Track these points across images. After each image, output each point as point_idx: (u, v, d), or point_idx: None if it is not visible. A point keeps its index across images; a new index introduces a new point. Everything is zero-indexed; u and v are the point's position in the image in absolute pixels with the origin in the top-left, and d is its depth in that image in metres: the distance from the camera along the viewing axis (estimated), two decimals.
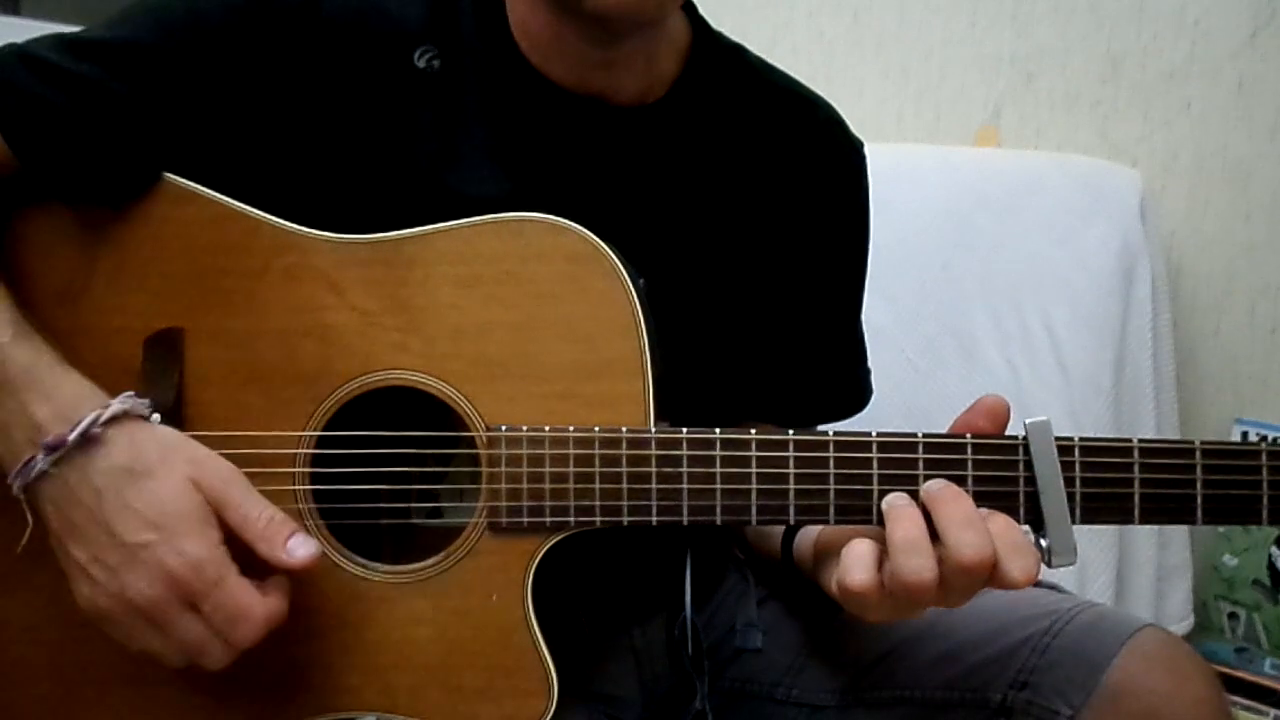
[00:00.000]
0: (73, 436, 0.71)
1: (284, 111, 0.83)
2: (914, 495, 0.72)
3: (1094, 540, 1.44)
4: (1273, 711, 1.56)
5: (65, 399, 0.73)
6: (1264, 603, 1.60)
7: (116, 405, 0.72)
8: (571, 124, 0.88)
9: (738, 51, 0.98)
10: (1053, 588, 0.92)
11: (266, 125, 0.83)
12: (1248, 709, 1.57)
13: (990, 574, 0.69)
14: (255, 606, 0.71)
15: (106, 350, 0.79)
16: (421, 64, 0.86)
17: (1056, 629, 0.84)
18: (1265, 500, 0.73)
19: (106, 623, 0.73)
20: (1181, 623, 1.59)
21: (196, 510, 0.71)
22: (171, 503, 0.71)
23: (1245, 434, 1.64)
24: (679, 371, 0.81)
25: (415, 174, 0.85)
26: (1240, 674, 1.60)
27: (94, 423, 0.71)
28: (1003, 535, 0.70)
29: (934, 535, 0.70)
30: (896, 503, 0.72)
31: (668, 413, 0.79)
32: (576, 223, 0.78)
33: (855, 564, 0.71)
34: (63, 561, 0.74)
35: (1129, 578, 1.51)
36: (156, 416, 0.75)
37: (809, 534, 0.86)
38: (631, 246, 0.80)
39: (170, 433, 0.75)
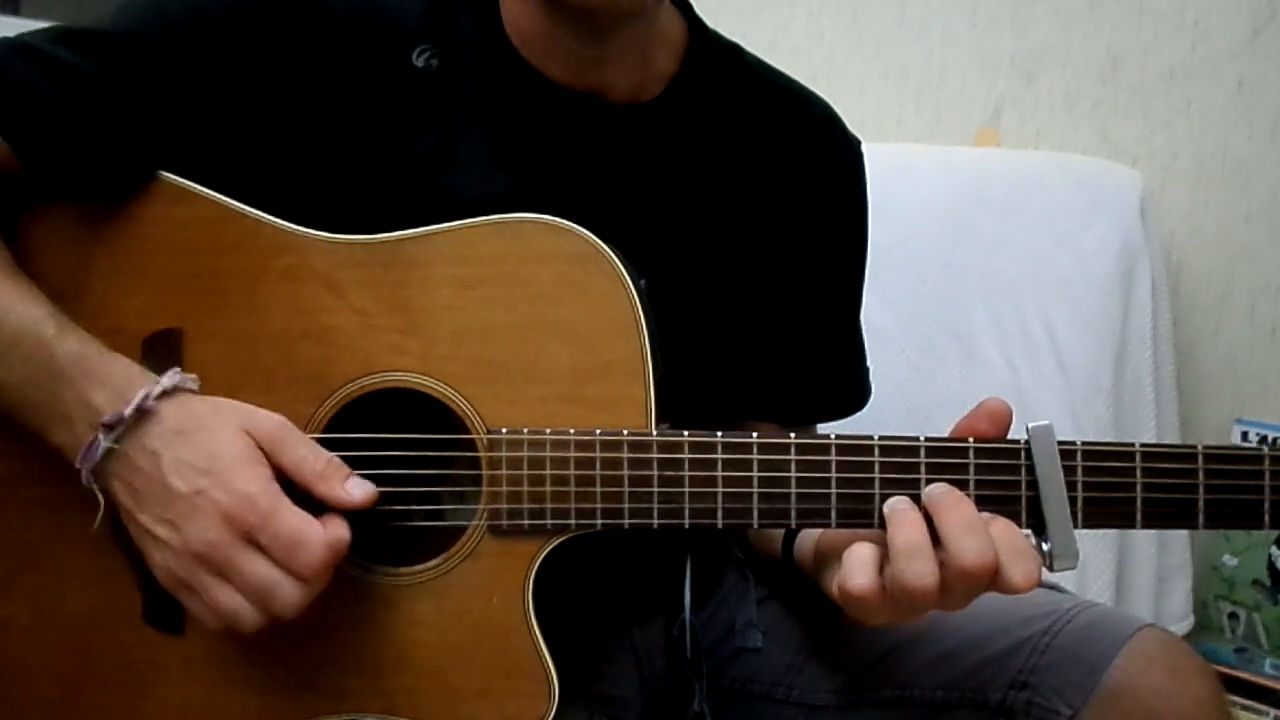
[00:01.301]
0: (128, 411, 0.74)
1: (282, 108, 0.83)
2: (916, 499, 0.72)
3: (1094, 541, 1.44)
4: (1273, 711, 1.56)
5: (118, 382, 0.75)
6: (1264, 603, 1.60)
7: (167, 380, 0.76)
8: (569, 121, 0.88)
9: (734, 50, 0.98)
10: (1053, 588, 0.92)
11: (265, 121, 0.83)
12: (1248, 709, 1.57)
13: (992, 579, 0.69)
14: (313, 530, 0.72)
15: None
16: (420, 63, 0.86)
17: (1056, 629, 0.84)
18: (1268, 505, 0.73)
19: (183, 587, 0.74)
20: (1181, 623, 1.59)
21: (245, 451, 0.73)
22: (221, 449, 0.73)
23: (1245, 434, 1.64)
24: (679, 371, 0.81)
25: (413, 172, 0.85)
26: (1240, 674, 1.60)
27: (147, 397, 0.74)
28: (1004, 540, 0.70)
29: (935, 540, 0.70)
30: (898, 506, 0.72)
31: (668, 413, 0.79)
32: (575, 221, 0.77)
33: (856, 568, 0.71)
34: (136, 537, 0.76)
35: (1129, 578, 1.51)
36: None
37: (809, 536, 0.85)
38: (629, 244, 0.80)
39: (218, 398, 0.77)
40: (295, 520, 0.72)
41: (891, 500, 0.72)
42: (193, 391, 0.77)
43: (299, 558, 0.71)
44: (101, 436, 0.74)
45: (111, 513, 0.77)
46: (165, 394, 0.75)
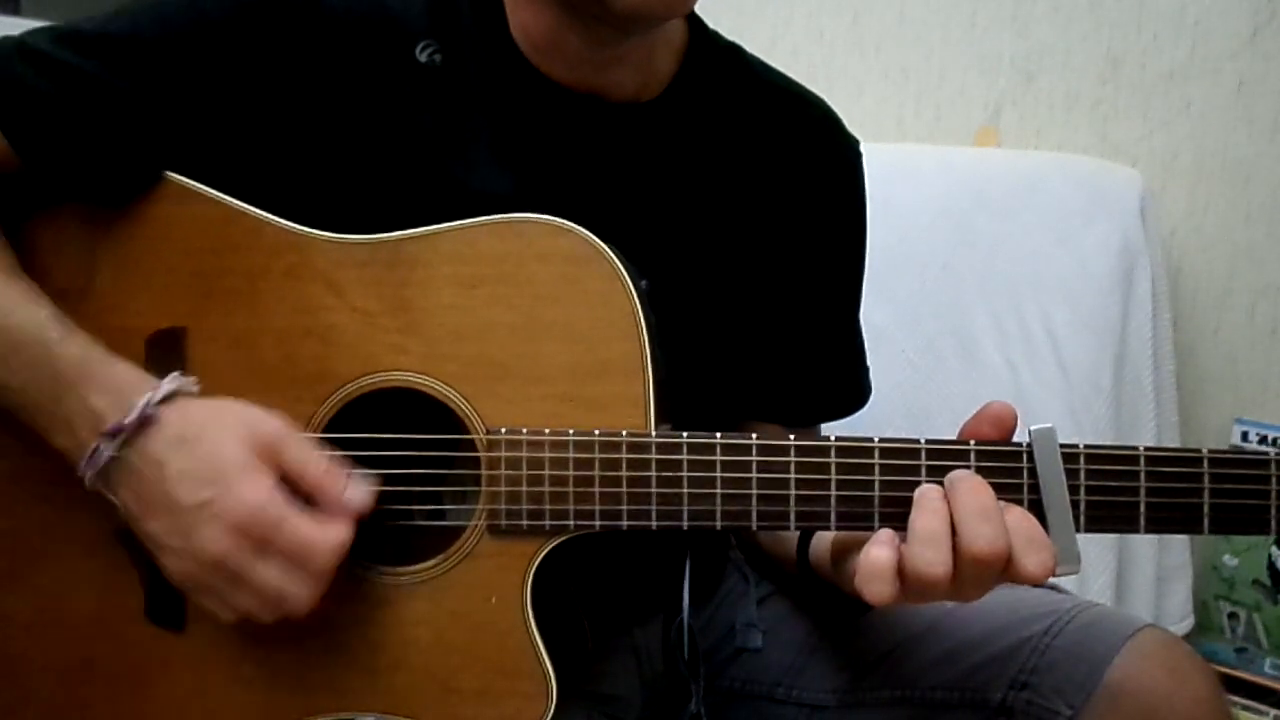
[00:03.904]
0: (130, 420, 0.74)
1: (285, 106, 0.83)
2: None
3: (1094, 541, 1.44)
4: (1273, 711, 1.56)
5: (120, 387, 0.75)
6: (1264, 603, 1.60)
7: (167, 385, 0.76)
8: (570, 121, 0.88)
9: (734, 50, 0.98)
10: (1052, 588, 0.92)
11: (267, 120, 0.83)
12: (1248, 709, 1.57)
13: (1004, 567, 0.70)
14: (320, 538, 0.73)
15: (109, 350, 0.79)
16: (423, 59, 0.86)
17: (1056, 629, 0.84)
18: (1274, 510, 0.73)
19: (200, 591, 0.75)
20: (1181, 623, 1.59)
21: (247, 460, 0.73)
22: (224, 458, 0.73)
23: (1245, 434, 1.64)
24: (680, 371, 0.81)
25: (417, 168, 0.85)
26: (1240, 674, 1.60)
27: (148, 404, 0.74)
28: (1019, 528, 0.70)
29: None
30: (928, 493, 0.72)
31: (669, 413, 0.79)
32: (576, 221, 0.77)
33: (875, 575, 0.71)
34: (147, 544, 0.76)
35: (1129, 578, 1.51)
36: None
37: (824, 533, 0.85)
38: (630, 244, 0.80)
39: (219, 401, 0.77)
40: (303, 528, 0.72)
41: (923, 486, 0.73)
42: (193, 395, 0.77)
43: (308, 563, 0.72)
44: (104, 444, 0.74)
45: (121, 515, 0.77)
46: (166, 399, 0.75)
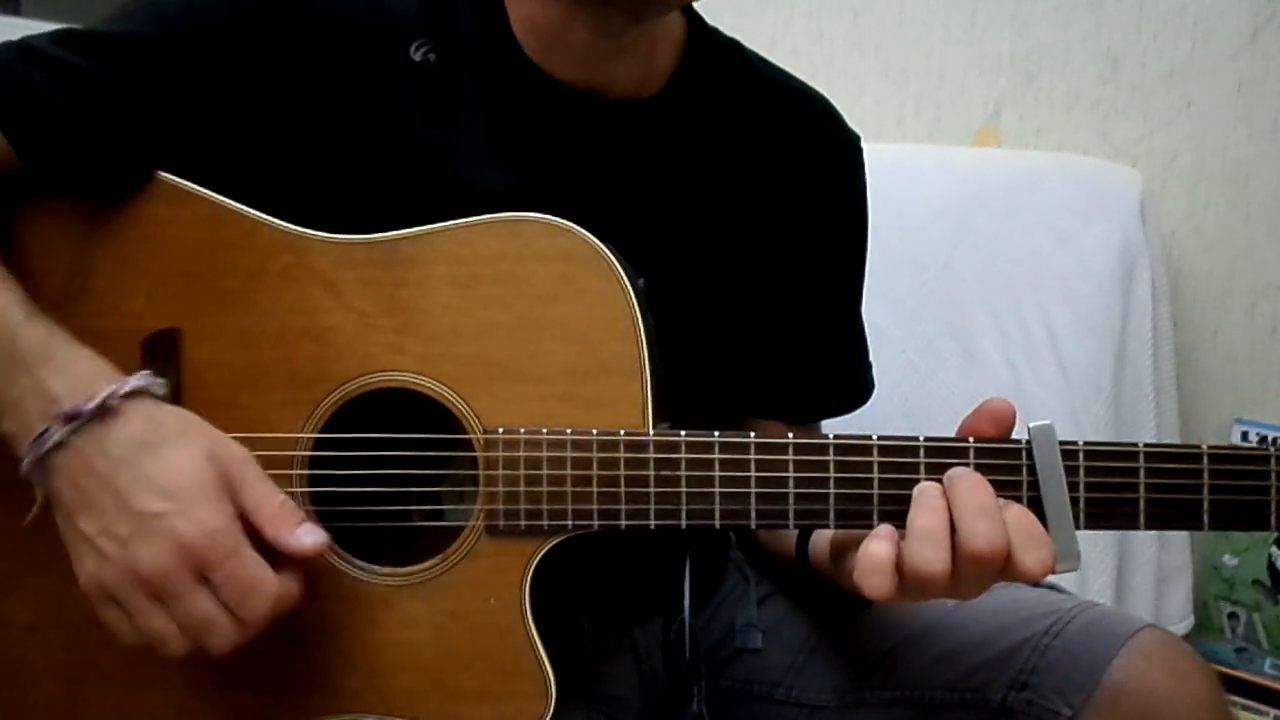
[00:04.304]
0: (90, 406, 0.71)
1: (281, 106, 0.83)
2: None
3: (1094, 541, 1.44)
4: (1273, 711, 1.56)
5: (81, 373, 0.73)
6: (1264, 603, 1.60)
7: (135, 381, 0.73)
8: (568, 118, 0.88)
9: (733, 46, 0.98)
10: (1052, 587, 0.92)
11: (264, 120, 0.83)
12: (1248, 709, 1.57)
13: (1003, 565, 0.69)
14: (269, 581, 0.70)
15: (104, 351, 0.78)
16: (418, 57, 0.86)
17: (1056, 629, 0.84)
18: (1274, 506, 0.72)
19: (108, 603, 0.72)
20: (1181, 623, 1.59)
21: (212, 481, 0.71)
22: (187, 474, 0.71)
23: (1245, 434, 1.64)
24: (678, 370, 0.81)
25: (412, 167, 0.84)
26: (1240, 674, 1.60)
27: (113, 395, 0.71)
28: (1018, 526, 0.70)
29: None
30: (927, 490, 0.72)
31: (668, 412, 0.79)
32: (574, 218, 0.77)
33: (873, 569, 0.71)
34: (69, 538, 0.73)
35: (1129, 578, 1.51)
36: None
37: (824, 531, 0.85)
38: (628, 242, 0.80)
39: (186, 412, 0.75)
40: (253, 567, 0.70)
41: (922, 484, 0.72)
42: (160, 398, 0.75)
43: (247, 604, 0.70)
44: (55, 428, 0.71)
45: (41, 508, 0.74)
46: (132, 394, 0.73)
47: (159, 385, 0.75)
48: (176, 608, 0.70)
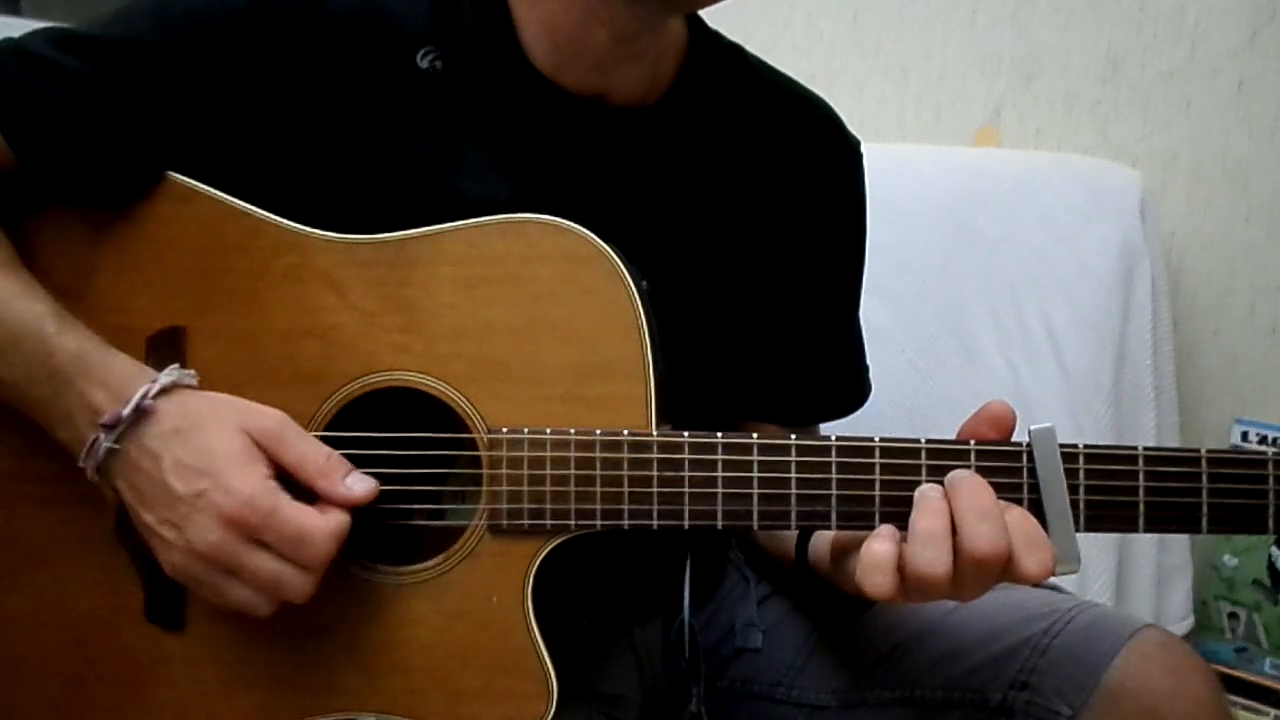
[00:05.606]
0: (126, 411, 0.74)
1: (286, 110, 0.83)
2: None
3: (1094, 541, 1.44)
4: (1273, 711, 1.56)
5: (117, 380, 0.76)
6: (1264, 603, 1.60)
7: (165, 378, 0.76)
8: (572, 126, 0.88)
9: (736, 51, 0.98)
10: (1052, 588, 0.92)
11: (267, 124, 0.83)
12: (1248, 709, 1.57)
13: (1004, 567, 0.70)
14: (315, 526, 0.73)
15: None
16: (424, 64, 0.85)
17: (1056, 629, 0.84)
18: (1271, 510, 0.73)
19: (194, 584, 0.75)
20: (1181, 623, 1.59)
21: (241, 451, 0.74)
22: (219, 450, 0.74)
23: (1245, 434, 1.64)
24: (680, 371, 0.81)
25: (417, 173, 0.84)
26: (1240, 674, 1.60)
27: (145, 396, 0.75)
28: (1019, 528, 0.70)
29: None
30: (929, 493, 0.72)
31: (670, 413, 0.79)
32: (577, 222, 0.77)
33: (874, 568, 0.71)
34: (144, 536, 0.76)
35: (1129, 578, 1.51)
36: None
37: (824, 533, 0.85)
38: (633, 247, 0.80)
39: (216, 394, 0.77)
40: (296, 516, 0.72)
41: (924, 486, 0.73)
42: (191, 388, 0.77)
43: (305, 551, 0.73)
44: (102, 437, 0.74)
45: (117, 510, 0.77)
46: (164, 391, 0.76)
47: (189, 376, 0.78)
48: (244, 574, 0.73)
